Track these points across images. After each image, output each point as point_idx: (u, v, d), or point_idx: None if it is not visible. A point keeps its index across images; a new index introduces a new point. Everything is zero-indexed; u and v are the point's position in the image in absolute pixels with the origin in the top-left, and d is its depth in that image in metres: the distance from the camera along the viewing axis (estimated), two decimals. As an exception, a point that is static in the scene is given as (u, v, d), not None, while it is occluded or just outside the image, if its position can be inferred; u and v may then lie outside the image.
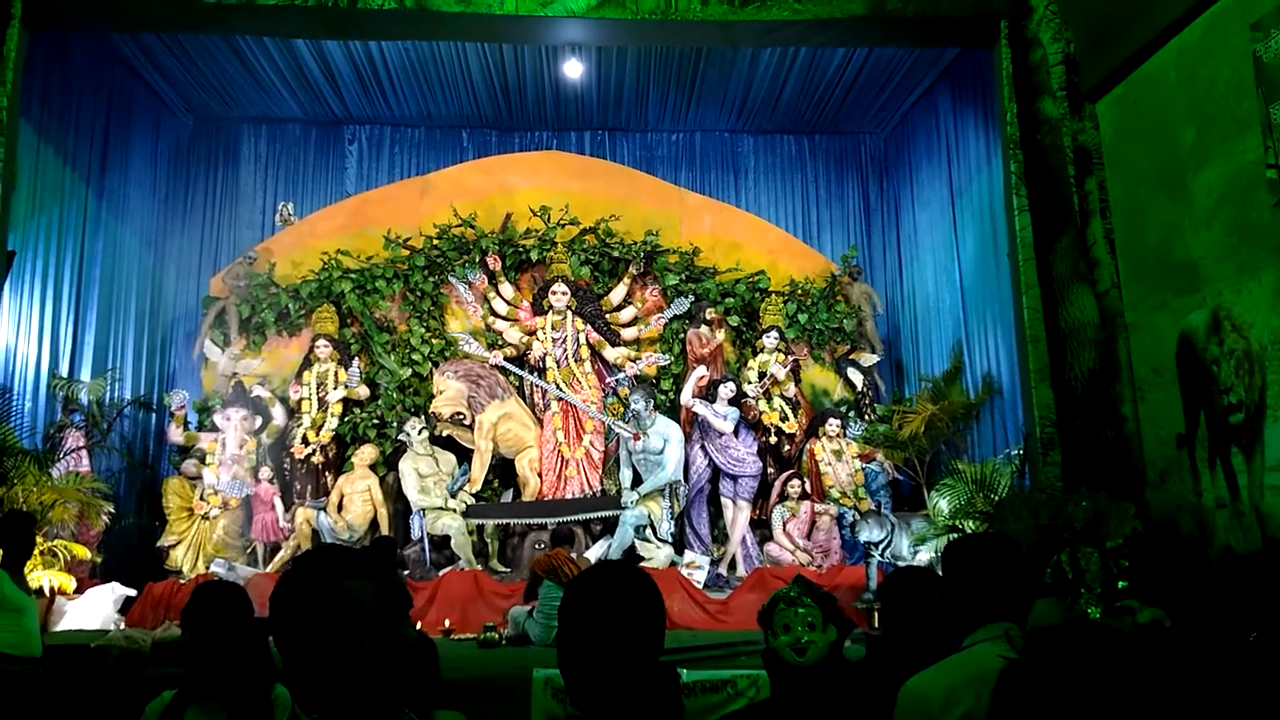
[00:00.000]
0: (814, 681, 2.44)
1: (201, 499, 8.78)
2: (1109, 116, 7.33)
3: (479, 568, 8.60)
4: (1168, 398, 6.46)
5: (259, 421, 9.24)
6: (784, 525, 8.82)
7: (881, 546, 7.92)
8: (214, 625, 2.66)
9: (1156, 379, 6.60)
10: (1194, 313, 6.19)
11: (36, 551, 6.92)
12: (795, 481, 9.01)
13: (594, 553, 8.44)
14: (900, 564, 7.70)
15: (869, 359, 10.05)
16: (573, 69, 9.98)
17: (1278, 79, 5.46)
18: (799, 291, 10.35)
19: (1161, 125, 6.60)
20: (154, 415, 9.84)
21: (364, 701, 1.41)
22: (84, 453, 8.44)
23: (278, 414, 9.37)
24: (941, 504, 7.63)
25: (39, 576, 7.08)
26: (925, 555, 7.68)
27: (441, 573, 8.39)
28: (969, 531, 7.08)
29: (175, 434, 9.22)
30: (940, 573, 2.80)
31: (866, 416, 9.72)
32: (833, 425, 9.34)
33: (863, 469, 9.25)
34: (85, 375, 8.93)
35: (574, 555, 7.10)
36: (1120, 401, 6.87)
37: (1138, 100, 6.93)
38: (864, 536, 8.00)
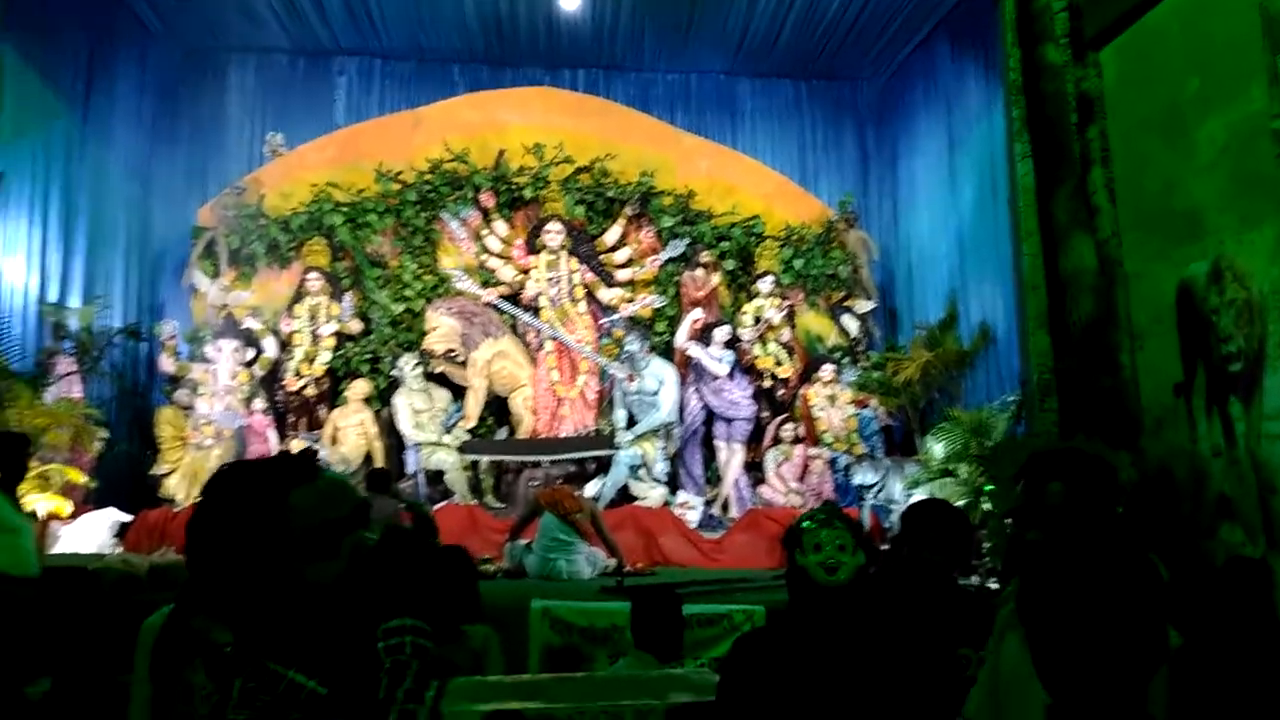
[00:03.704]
0: (841, 603, 2.22)
1: (195, 429, 8.73)
2: (1112, 64, 7.28)
3: (474, 502, 8.64)
4: (1165, 346, 6.50)
5: (251, 353, 9.15)
6: (777, 468, 8.90)
7: (875, 490, 8.02)
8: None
9: (1155, 327, 6.63)
10: (1194, 262, 6.22)
11: (31, 475, 6.85)
12: (789, 425, 9.08)
13: (589, 490, 8.49)
14: (893, 507, 7.80)
15: (864, 305, 10.08)
16: (568, 2, 9.80)
17: (1287, 29, 5.44)
18: (794, 237, 10.29)
19: (1165, 74, 6.56)
20: (144, 344, 9.71)
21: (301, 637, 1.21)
22: (76, 379, 8.36)
23: (269, 346, 9.28)
24: (936, 448, 7.69)
25: (33, 501, 7.03)
26: (920, 497, 7.78)
27: (437, 506, 8.41)
28: (962, 477, 7.20)
29: (166, 363, 9.13)
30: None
31: (860, 363, 9.77)
32: (826, 371, 9.38)
33: (856, 414, 9.31)
34: (74, 302, 8.79)
35: (575, 492, 7.13)
36: (1118, 349, 6.90)
37: (1141, 48, 6.89)
38: (858, 480, 8.10)
